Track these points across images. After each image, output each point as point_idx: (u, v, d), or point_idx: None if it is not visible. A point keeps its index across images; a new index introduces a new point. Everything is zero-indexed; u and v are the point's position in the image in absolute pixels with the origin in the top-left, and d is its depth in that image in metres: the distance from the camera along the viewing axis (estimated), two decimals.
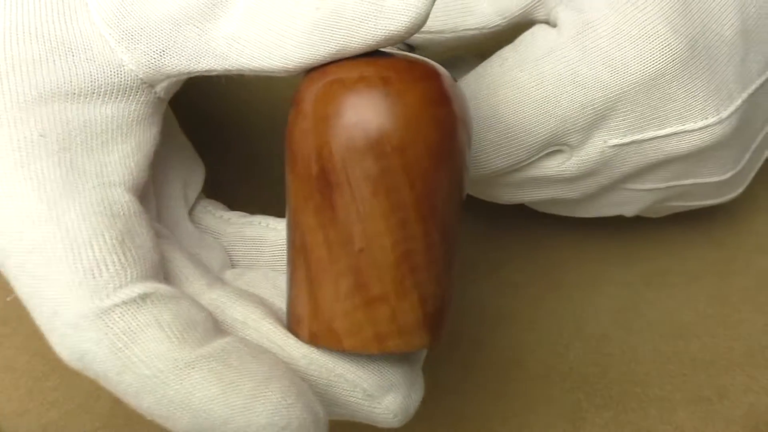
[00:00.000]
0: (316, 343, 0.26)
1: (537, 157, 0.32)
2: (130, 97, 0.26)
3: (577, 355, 0.38)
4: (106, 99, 0.26)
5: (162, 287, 0.25)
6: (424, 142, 0.25)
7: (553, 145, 0.31)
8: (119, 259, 0.24)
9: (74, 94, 0.25)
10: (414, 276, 0.25)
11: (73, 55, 0.26)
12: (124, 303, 0.24)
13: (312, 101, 0.25)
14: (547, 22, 0.32)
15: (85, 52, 0.26)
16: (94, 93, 0.26)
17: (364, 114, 0.25)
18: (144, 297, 0.24)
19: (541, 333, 0.38)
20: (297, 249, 0.26)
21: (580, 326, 0.39)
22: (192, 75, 0.27)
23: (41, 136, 0.24)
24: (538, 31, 0.32)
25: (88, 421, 0.36)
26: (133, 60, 0.26)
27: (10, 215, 0.24)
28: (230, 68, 0.26)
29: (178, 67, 0.26)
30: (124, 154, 0.26)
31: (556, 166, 0.32)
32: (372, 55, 0.26)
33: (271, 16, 0.25)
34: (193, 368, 0.24)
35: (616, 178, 0.32)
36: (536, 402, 0.36)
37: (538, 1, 0.32)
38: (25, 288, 0.24)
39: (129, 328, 0.23)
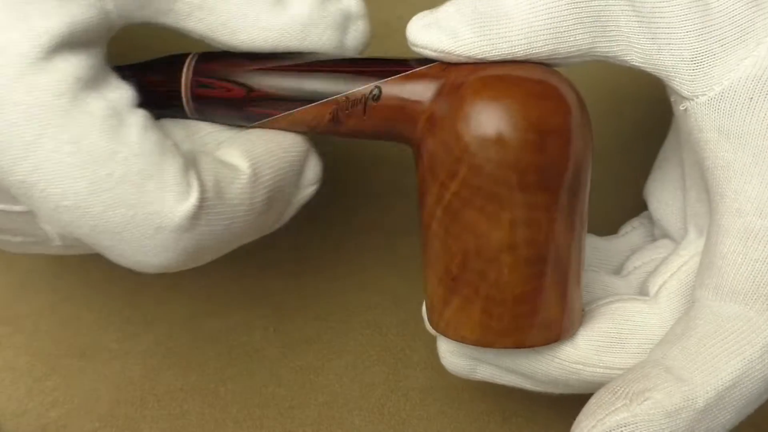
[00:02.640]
0: (559, 339, 0.28)
1: None
2: (104, 39, 0.29)
3: None
4: (93, 42, 0.28)
5: None
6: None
7: None
8: None
9: (75, 43, 0.26)
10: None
11: (77, 4, 0.27)
12: None
13: (521, 128, 0.26)
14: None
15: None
16: (90, 39, 0.27)
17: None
18: None
19: None
20: (551, 262, 0.27)
21: None
22: (149, 25, 0.29)
23: None
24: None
25: (88, 421, 0.36)
26: (116, 8, 0.28)
27: None
28: (183, 29, 0.29)
29: (145, 18, 0.29)
30: None
31: None
32: (528, 66, 0.27)
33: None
34: None
35: None
36: (536, 402, 0.36)
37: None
38: None
39: None
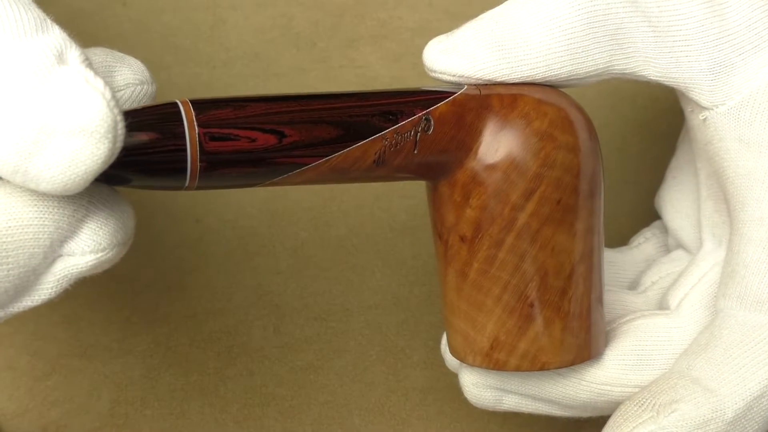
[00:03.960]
0: (582, 361, 0.28)
1: None
2: None
3: None
4: None
5: None
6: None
7: None
8: None
9: None
10: None
11: None
12: None
13: (584, 133, 0.27)
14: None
15: None
16: None
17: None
18: None
19: None
20: (596, 268, 0.28)
21: None
22: None
23: None
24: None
25: (88, 421, 0.36)
26: None
27: None
28: None
29: None
30: None
31: None
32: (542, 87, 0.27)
33: None
34: None
35: None
36: None
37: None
38: None
39: None
